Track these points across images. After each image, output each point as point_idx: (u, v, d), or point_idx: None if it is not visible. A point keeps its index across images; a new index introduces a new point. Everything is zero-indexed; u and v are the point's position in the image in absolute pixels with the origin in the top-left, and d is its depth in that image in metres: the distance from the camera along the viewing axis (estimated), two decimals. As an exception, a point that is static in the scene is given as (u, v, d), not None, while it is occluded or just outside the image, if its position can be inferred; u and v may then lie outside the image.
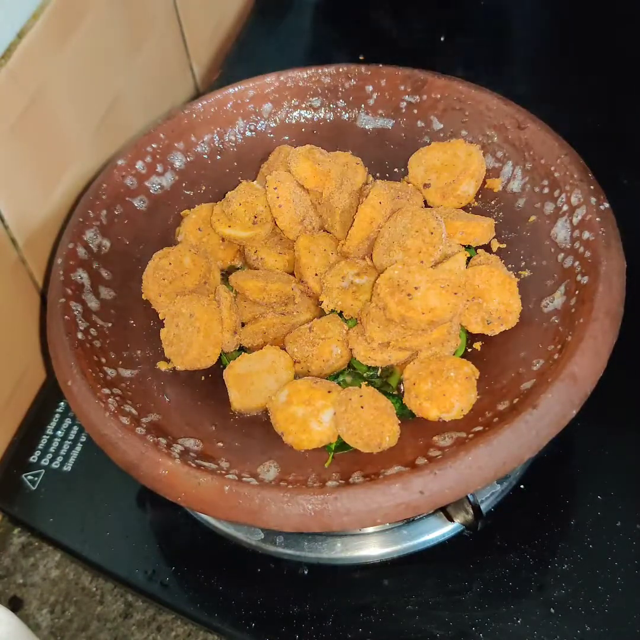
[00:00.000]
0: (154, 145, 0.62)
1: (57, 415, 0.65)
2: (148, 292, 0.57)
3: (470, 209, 0.60)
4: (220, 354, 0.55)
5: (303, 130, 0.66)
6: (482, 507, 0.52)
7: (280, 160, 0.61)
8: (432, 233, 0.52)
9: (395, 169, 0.64)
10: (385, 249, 0.54)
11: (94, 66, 0.66)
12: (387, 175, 0.64)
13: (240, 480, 0.46)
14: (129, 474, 0.47)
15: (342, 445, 0.50)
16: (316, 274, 0.56)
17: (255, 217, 0.57)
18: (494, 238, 0.58)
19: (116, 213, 0.60)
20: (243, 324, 0.57)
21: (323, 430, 0.50)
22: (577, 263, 0.52)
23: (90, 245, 0.57)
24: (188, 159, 0.64)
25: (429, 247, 0.52)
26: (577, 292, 0.51)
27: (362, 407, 0.49)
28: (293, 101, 0.66)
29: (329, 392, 0.51)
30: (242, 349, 0.57)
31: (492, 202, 0.60)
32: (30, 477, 0.62)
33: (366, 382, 0.53)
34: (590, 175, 0.55)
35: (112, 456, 0.48)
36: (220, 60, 0.91)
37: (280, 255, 0.58)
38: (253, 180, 0.62)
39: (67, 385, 0.50)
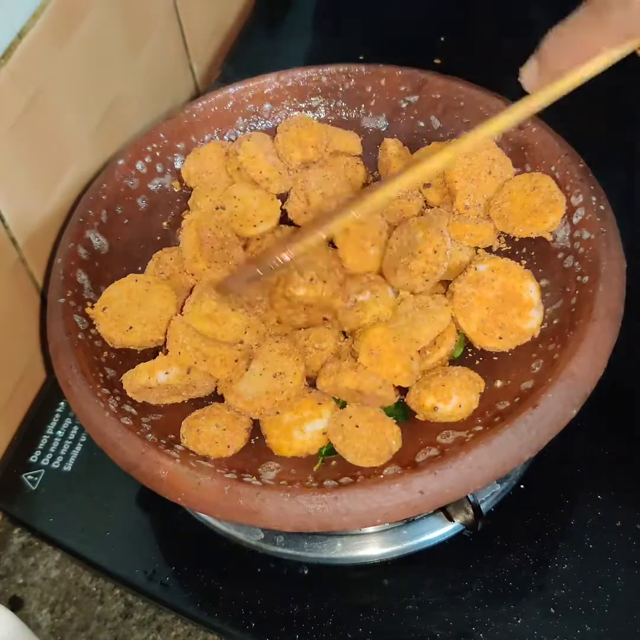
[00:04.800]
0: (154, 145, 0.62)
1: (57, 415, 0.65)
2: None
3: (470, 209, 0.60)
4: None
5: (303, 130, 0.66)
6: (482, 507, 0.52)
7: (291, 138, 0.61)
8: (435, 251, 0.52)
9: (395, 169, 0.64)
10: (392, 268, 0.54)
11: (94, 66, 0.66)
12: (387, 175, 0.64)
13: (241, 480, 0.46)
14: (129, 474, 0.47)
15: (332, 450, 0.50)
16: (325, 282, 0.56)
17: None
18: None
19: (116, 213, 0.60)
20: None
21: (305, 440, 0.50)
22: (577, 263, 0.52)
23: (91, 245, 0.57)
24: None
25: (432, 267, 0.52)
26: (577, 292, 0.51)
27: (357, 427, 0.48)
28: (293, 101, 0.66)
29: (320, 404, 0.51)
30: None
31: (492, 202, 0.60)
32: (30, 477, 0.62)
33: None
34: (590, 175, 0.55)
35: (112, 456, 0.48)
36: (220, 60, 0.91)
37: None
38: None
39: (67, 385, 0.50)
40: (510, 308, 0.51)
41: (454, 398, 0.49)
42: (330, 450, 0.50)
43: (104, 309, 0.53)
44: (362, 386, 0.49)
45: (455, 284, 0.53)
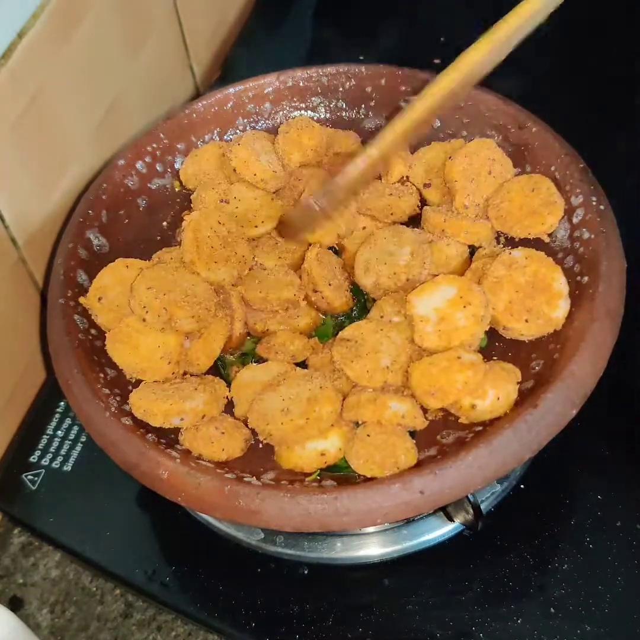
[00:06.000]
0: (154, 145, 0.62)
1: (57, 415, 0.65)
2: None
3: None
4: (220, 360, 0.56)
5: (303, 130, 0.66)
6: (482, 507, 0.52)
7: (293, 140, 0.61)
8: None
9: (395, 169, 0.64)
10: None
11: (94, 66, 0.66)
12: (387, 175, 0.64)
13: (241, 480, 0.46)
14: (129, 474, 0.47)
15: (329, 467, 0.49)
16: (330, 284, 0.56)
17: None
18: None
19: (116, 213, 0.60)
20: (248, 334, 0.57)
21: (301, 455, 0.49)
22: (577, 263, 0.52)
23: (91, 245, 0.57)
24: (188, 159, 0.64)
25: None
26: (577, 292, 0.51)
27: (368, 435, 0.48)
28: (293, 101, 0.66)
29: (332, 425, 0.49)
30: (243, 355, 0.57)
31: (492, 202, 0.60)
32: (30, 477, 0.62)
33: None
34: (590, 175, 0.55)
35: (112, 456, 0.48)
36: (220, 60, 0.91)
37: (280, 259, 0.58)
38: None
39: (67, 385, 0.50)
40: (539, 295, 0.51)
41: (490, 392, 0.48)
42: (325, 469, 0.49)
43: (99, 299, 0.53)
44: (382, 419, 0.48)
45: (489, 265, 0.53)
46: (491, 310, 0.51)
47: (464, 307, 0.50)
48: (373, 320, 0.53)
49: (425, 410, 0.50)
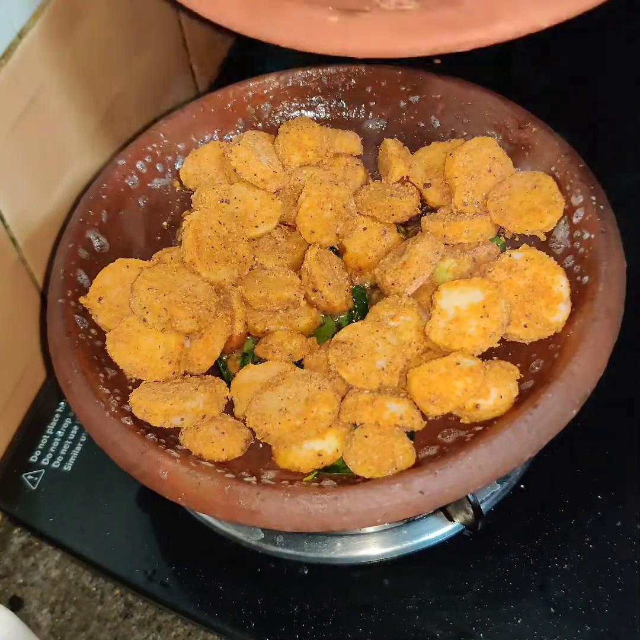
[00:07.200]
0: (154, 145, 0.62)
1: (57, 415, 0.65)
2: None
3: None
4: (220, 360, 0.56)
5: (303, 130, 0.66)
6: (482, 507, 0.52)
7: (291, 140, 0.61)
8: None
9: (395, 169, 0.64)
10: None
11: (94, 66, 0.66)
12: (387, 175, 0.64)
13: (241, 480, 0.46)
14: (129, 474, 0.47)
15: (326, 468, 0.49)
16: (329, 284, 0.56)
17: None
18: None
19: (116, 213, 0.60)
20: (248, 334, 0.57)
21: (298, 455, 0.49)
22: (577, 263, 0.52)
23: (91, 245, 0.57)
24: (188, 159, 0.64)
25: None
26: (577, 292, 0.51)
27: (366, 437, 0.48)
28: (293, 101, 0.66)
29: (329, 426, 0.50)
30: (243, 355, 0.57)
31: (492, 202, 0.60)
32: (30, 477, 0.62)
33: None
34: (590, 175, 0.55)
35: (112, 456, 0.48)
36: (220, 60, 0.91)
37: (280, 259, 0.58)
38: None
39: (67, 385, 0.50)
40: (539, 299, 0.51)
41: (493, 391, 0.48)
42: (323, 469, 0.49)
43: (99, 299, 0.53)
44: (381, 420, 0.48)
45: (490, 268, 0.52)
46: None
47: (481, 317, 0.50)
48: (369, 322, 0.53)
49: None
